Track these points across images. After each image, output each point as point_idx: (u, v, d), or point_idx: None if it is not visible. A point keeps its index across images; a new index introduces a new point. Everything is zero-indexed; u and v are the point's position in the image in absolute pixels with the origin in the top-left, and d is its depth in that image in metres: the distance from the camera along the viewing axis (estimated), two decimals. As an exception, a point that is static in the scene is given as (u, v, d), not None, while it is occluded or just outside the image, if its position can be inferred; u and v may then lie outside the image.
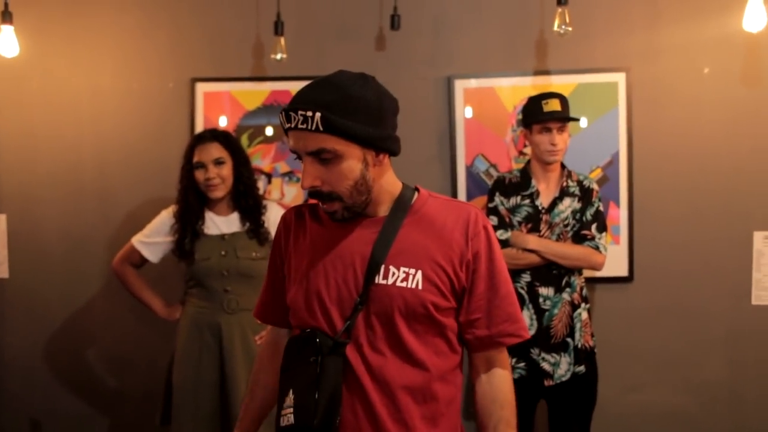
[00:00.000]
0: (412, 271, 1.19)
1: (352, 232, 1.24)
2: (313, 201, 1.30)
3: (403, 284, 1.19)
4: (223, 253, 2.32)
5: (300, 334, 1.24)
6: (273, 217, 2.41)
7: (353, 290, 1.20)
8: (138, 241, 2.40)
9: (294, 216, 1.34)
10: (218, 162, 2.31)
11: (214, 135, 2.38)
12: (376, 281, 1.19)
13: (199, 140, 2.36)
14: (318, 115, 1.13)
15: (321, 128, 1.13)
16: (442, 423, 1.24)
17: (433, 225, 1.23)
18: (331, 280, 1.22)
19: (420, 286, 1.19)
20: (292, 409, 1.18)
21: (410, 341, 1.20)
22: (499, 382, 1.29)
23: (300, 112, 1.14)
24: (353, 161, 1.17)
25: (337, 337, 1.19)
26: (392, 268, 1.19)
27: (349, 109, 1.14)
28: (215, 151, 2.32)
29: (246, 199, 2.37)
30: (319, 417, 1.15)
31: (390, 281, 1.19)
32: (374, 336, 1.19)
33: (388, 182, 1.25)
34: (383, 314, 1.19)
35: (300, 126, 1.14)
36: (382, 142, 1.20)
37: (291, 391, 1.19)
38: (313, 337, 1.19)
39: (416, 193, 1.28)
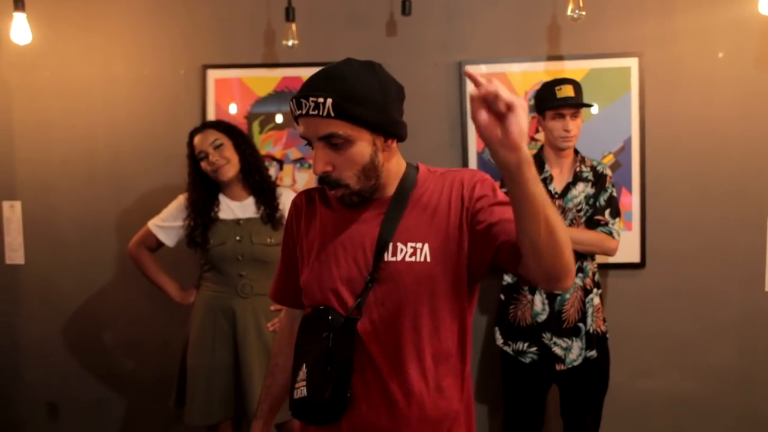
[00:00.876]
0: (419, 245, 1.22)
1: (360, 215, 1.27)
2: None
3: (412, 259, 1.21)
4: (238, 238, 2.34)
5: (312, 311, 1.27)
6: (288, 203, 2.43)
7: (363, 269, 1.23)
8: (154, 225, 2.43)
9: (304, 200, 1.37)
10: (216, 145, 2.34)
11: (204, 124, 2.45)
12: (386, 259, 1.22)
13: (194, 132, 2.40)
14: (329, 101, 1.16)
15: (332, 114, 1.16)
16: (449, 393, 1.26)
17: (435, 197, 1.25)
18: (341, 261, 1.25)
19: (428, 259, 1.21)
20: (304, 383, 1.22)
21: (421, 315, 1.22)
22: None
23: (311, 99, 1.17)
24: (363, 146, 1.20)
25: (349, 313, 1.22)
26: (400, 245, 1.22)
27: (358, 96, 1.17)
28: (210, 135, 2.36)
29: (253, 175, 2.39)
30: (330, 390, 1.19)
31: (399, 257, 1.22)
32: (386, 312, 1.22)
33: (396, 165, 1.29)
34: (394, 290, 1.22)
35: (311, 112, 1.17)
36: (390, 127, 1.23)
37: (304, 366, 1.24)
38: (325, 313, 1.23)
39: (418, 171, 1.31)
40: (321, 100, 1.16)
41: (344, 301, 1.24)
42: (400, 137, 1.26)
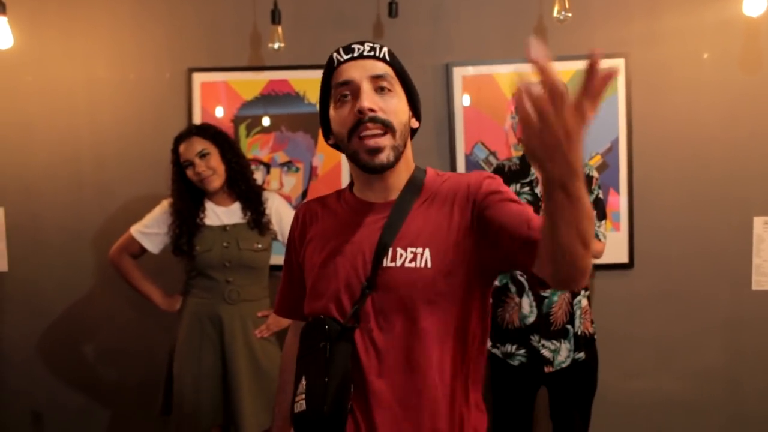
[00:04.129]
0: (420, 250, 1.16)
1: (362, 219, 1.24)
2: (323, 194, 1.34)
3: (411, 264, 1.16)
4: (225, 244, 2.32)
5: (311, 321, 1.24)
6: (275, 207, 2.41)
7: (362, 275, 1.19)
8: (137, 231, 2.39)
9: (305, 211, 1.35)
10: (203, 154, 2.30)
11: (190, 130, 2.37)
12: (384, 264, 1.17)
13: (179, 139, 2.35)
14: (386, 49, 1.21)
15: (387, 59, 1.20)
16: (453, 402, 1.18)
17: (441, 202, 1.21)
18: (340, 267, 1.21)
19: (429, 264, 1.15)
20: (303, 396, 1.18)
21: (421, 323, 1.16)
22: None
23: (367, 44, 1.20)
24: (403, 104, 1.21)
25: (345, 322, 1.18)
26: (399, 250, 1.17)
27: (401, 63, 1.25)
28: (197, 144, 2.31)
29: (239, 185, 2.36)
30: (329, 403, 1.14)
31: (398, 263, 1.17)
32: (384, 320, 1.17)
33: (408, 156, 1.25)
34: (393, 297, 1.17)
35: (366, 53, 1.19)
36: (417, 103, 1.26)
37: (303, 378, 1.20)
38: (322, 323, 1.19)
39: (425, 175, 1.28)
40: (377, 45, 1.20)
41: (344, 309, 1.19)
42: (418, 120, 1.27)
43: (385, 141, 1.16)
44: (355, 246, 1.21)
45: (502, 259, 1.14)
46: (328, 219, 1.29)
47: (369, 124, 1.14)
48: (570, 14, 2.39)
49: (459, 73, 2.76)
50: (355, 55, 1.18)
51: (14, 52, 2.71)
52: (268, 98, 2.82)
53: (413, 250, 1.17)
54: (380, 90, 1.17)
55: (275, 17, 2.63)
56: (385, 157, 1.16)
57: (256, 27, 2.80)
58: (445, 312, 1.17)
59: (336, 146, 1.27)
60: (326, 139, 1.28)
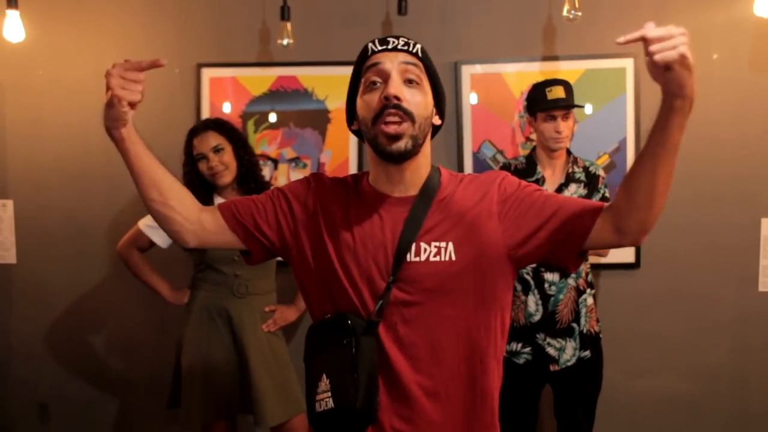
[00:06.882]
0: (443, 244, 1.19)
1: (381, 213, 1.23)
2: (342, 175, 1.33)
3: (436, 258, 1.19)
4: (234, 238, 2.33)
5: (326, 318, 1.22)
6: None
7: (384, 270, 1.19)
8: (145, 225, 2.40)
9: (320, 181, 1.31)
10: (217, 149, 2.31)
11: (206, 124, 2.37)
12: (408, 259, 1.19)
13: (194, 132, 2.36)
14: (419, 46, 1.25)
15: (420, 55, 1.24)
16: (476, 399, 1.22)
17: (460, 201, 1.24)
18: (361, 259, 1.20)
19: (453, 257, 1.19)
20: (329, 394, 1.17)
21: (446, 315, 1.18)
22: None
23: (402, 39, 1.24)
24: (428, 100, 1.24)
25: (371, 317, 1.18)
26: (423, 245, 1.19)
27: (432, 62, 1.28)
28: (212, 139, 2.32)
29: (248, 182, 2.37)
30: (361, 398, 1.14)
31: (422, 258, 1.19)
32: (408, 313, 1.19)
33: (427, 154, 1.27)
34: (417, 292, 1.18)
35: (401, 47, 1.23)
36: (442, 102, 1.29)
37: (324, 376, 1.18)
38: (344, 319, 1.18)
39: (440, 174, 1.30)
40: (412, 41, 1.24)
41: (365, 302, 1.19)
42: (441, 117, 1.30)
43: (405, 128, 1.18)
44: (377, 239, 1.21)
45: (540, 245, 1.21)
46: (348, 205, 1.26)
47: (392, 111, 1.17)
48: (579, 13, 2.39)
49: (467, 72, 2.76)
50: (390, 47, 1.22)
51: (25, 46, 2.73)
52: (277, 94, 2.83)
53: (437, 244, 1.19)
54: (408, 82, 1.21)
55: (285, 13, 2.64)
56: (403, 144, 1.18)
57: (266, 23, 2.81)
58: (468, 303, 1.20)
59: (357, 133, 1.29)
60: (349, 124, 1.31)
